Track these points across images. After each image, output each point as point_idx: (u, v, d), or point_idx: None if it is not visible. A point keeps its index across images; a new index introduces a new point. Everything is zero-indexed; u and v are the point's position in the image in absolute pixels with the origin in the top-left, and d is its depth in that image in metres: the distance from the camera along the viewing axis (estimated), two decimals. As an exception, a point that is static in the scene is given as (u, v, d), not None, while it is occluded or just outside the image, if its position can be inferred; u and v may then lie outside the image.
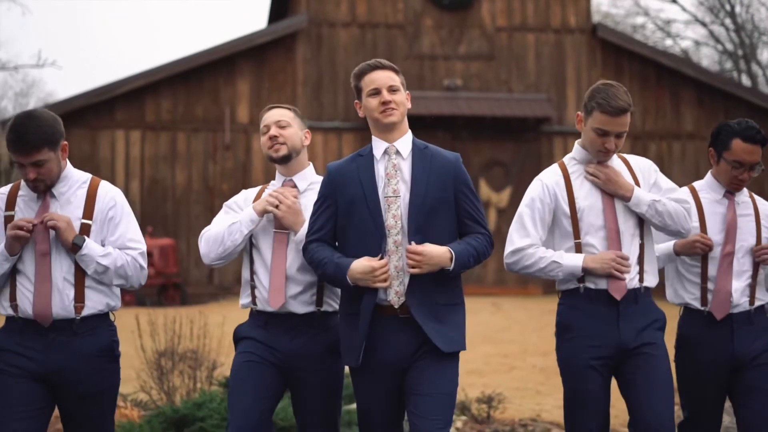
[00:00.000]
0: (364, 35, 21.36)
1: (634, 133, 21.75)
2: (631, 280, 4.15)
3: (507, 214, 21.18)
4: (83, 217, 4.12)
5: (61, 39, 66.62)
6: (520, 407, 7.78)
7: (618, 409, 5.09)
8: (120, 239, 4.17)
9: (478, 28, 21.76)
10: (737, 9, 33.81)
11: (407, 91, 4.10)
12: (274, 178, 4.42)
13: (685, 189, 4.53)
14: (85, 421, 4.14)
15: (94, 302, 4.10)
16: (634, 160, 4.35)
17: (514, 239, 4.25)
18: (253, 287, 4.26)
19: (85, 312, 4.07)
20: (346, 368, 4.16)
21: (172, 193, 20.76)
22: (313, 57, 21.29)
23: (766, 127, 4.47)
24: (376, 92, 4.00)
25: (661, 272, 4.44)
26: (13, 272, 4.09)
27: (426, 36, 21.58)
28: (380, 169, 3.97)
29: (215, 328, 7.65)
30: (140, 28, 74.95)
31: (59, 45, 60.53)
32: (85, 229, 4.12)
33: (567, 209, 4.19)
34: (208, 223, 4.52)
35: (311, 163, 4.44)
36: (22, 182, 4.18)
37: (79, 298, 4.06)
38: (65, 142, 4.12)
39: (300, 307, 4.19)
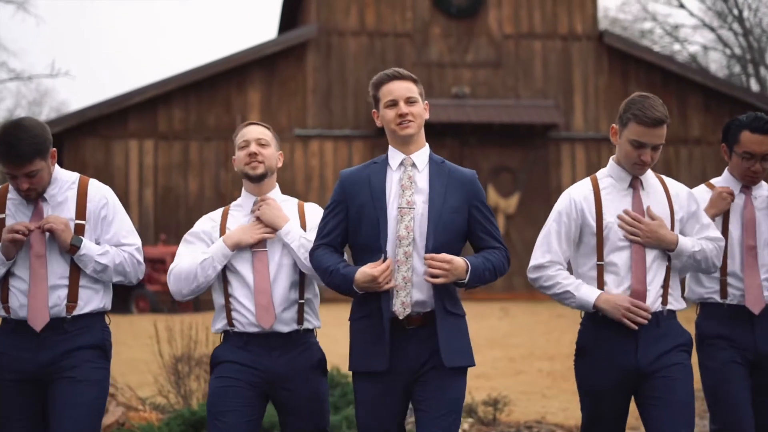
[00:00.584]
0: (373, 44, 21.61)
1: (641, 138, 21.95)
2: (653, 303, 4.04)
3: (515, 220, 21.41)
4: (76, 218, 4.11)
5: (73, 49, 67.07)
6: (526, 410, 7.97)
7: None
8: (115, 237, 4.17)
9: (486, 36, 21.99)
10: (745, 13, 33.87)
11: (426, 101, 4.04)
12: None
13: (712, 224, 4.33)
14: (67, 408, 4.01)
15: (86, 302, 4.09)
16: (672, 183, 4.24)
17: (536, 254, 4.19)
18: (230, 310, 4.17)
19: (77, 311, 4.06)
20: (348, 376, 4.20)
21: (185, 201, 21.04)
22: (322, 66, 21.55)
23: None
24: (393, 103, 3.94)
25: None
26: (5, 274, 4.08)
27: (434, 44, 21.82)
28: (393, 179, 3.94)
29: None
30: (151, 39, 75.36)
31: (72, 55, 61.01)
32: (80, 230, 4.11)
33: (593, 225, 4.09)
34: None
35: (277, 184, 4.43)
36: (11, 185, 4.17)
37: (72, 298, 4.06)
38: (54, 149, 4.11)
39: (284, 326, 4.15)
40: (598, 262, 4.07)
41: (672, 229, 4.11)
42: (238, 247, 4.15)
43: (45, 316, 4.00)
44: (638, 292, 4.02)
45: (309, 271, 4.16)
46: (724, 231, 4.48)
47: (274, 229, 4.18)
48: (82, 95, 56.70)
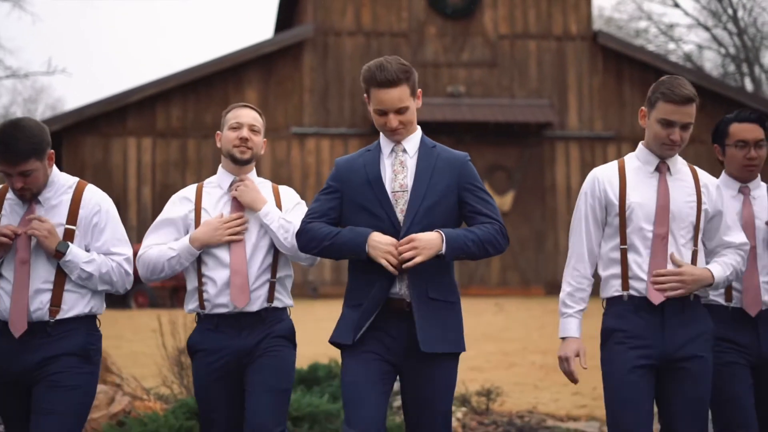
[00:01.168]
0: (369, 43, 21.84)
1: (635, 137, 22.20)
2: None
3: (510, 217, 21.65)
4: (67, 223, 4.06)
5: (69, 46, 67.23)
6: (518, 401, 8.18)
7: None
8: (104, 245, 4.11)
9: (481, 36, 22.23)
10: (740, 13, 34.12)
11: (419, 89, 3.93)
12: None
13: (737, 223, 4.26)
14: (52, 416, 3.97)
15: (71, 306, 4.04)
16: (703, 174, 4.15)
17: (573, 240, 4.14)
18: (202, 291, 4.18)
19: (61, 315, 4.02)
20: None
21: (182, 199, 21.24)
22: (319, 65, 21.77)
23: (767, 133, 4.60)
24: (383, 113, 3.87)
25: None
26: None
27: (429, 44, 22.05)
28: (387, 164, 3.90)
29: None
30: (147, 37, 75.53)
31: (68, 52, 61.21)
32: (69, 235, 4.06)
33: (616, 205, 4.02)
34: None
35: (254, 167, 4.41)
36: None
37: (55, 302, 4.01)
38: (52, 151, 4.07)
39: (253, 306, 4.16)
40: (621, 246, 4.00)
41: (697, 220, 4.04)
42: (204, 248, 4.16)
43: (23, 323, 3.97)
44: (653, 288, 3.94)
45: (289, 251, 4.16)
46: None
47: (253, 209, 4.19)
48: (78, 93, 56.95)
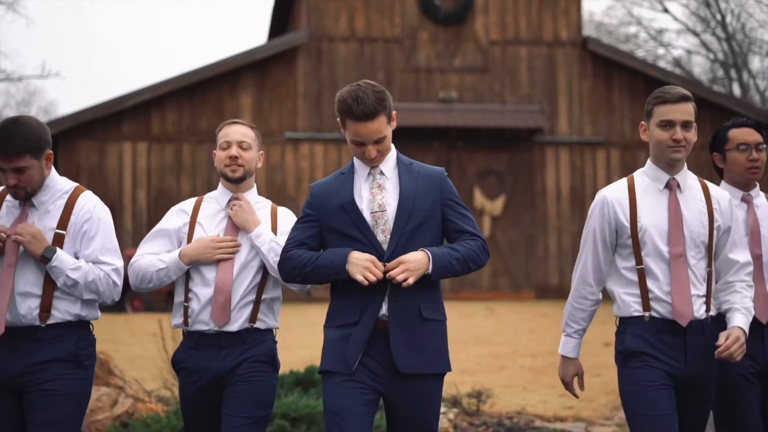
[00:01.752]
0: (363, 49, 22.08)
1: (624, 142, 22.51)
2: (698, 310, 3.90)
3: (500, 221, 21.94)
4: (57, 227, 4.01)
5: (63, 50, 67.33)
6: (508, 402, 8.42)
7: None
8: (93, 253, 4.05)
9: (473, 42, 22.50)
10: (728, 18, 34.43)
11: (394, 113, 3.86)
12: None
13: (744, 240, 4.16)
14: (46, 425, 3.95)
15: (61, 311, 4.00)
16: (714, 189, 4.08)
17: (583, 259, 4.07)
18: (186, 308, 4.17)
19: (52, 320, 3.98)
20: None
21: (177, 203, 21.30)
22: (313, 70, 22.02)
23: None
24: (361, 144, 3.79)
25: None
26: None
27: (422, 49, 22.30)
28: (364, 187, 3.83)
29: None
30: (141, 42, 75.62)
31: (61, 56, 61.37)
32: (59, 239, 4.01)
33: (628, 227, 3.94)
34: None
35: (255, 184, 4.40)
36: None
37: (45, 308, 3.97)
38: (50, 152, 4.02)
39: (233, 326, 4.12)
40: (638, 266, 3.92)
41: (709, 236, 3.97)
42: (193, 264, 4.14)
43: (1, 325, 3.92)
44: (679, 308, 3.87)
45: (277, 274, 4.10)
46: None
47: (246, 230, 4.17)
48: (71, 96, 57.07)
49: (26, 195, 4.01)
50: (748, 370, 4.19)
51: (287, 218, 4.34)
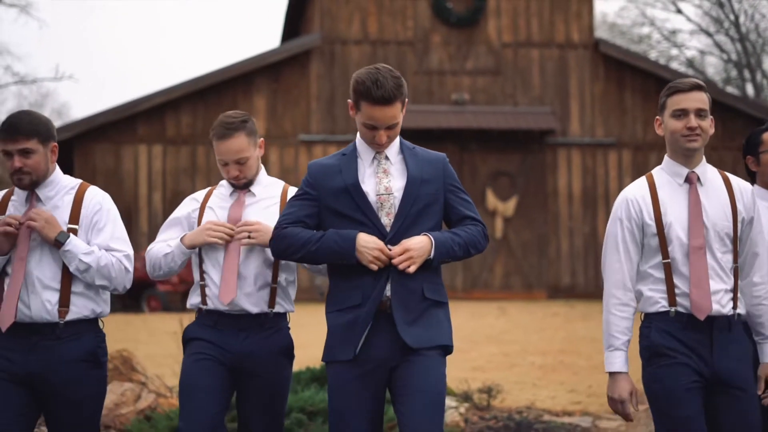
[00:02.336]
0: (375, 52, 22.30)
1: (635, 143, 22.66)
2: (724, 306, 3.82)
3: (513, 222, 22.12)
4: (69, 222, 4.05)
5: (75, 52, 67.78)
6: (518, 398, 8.60)
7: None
8: (104, 242, 4.09)
9: (485, 44, 22.69)
10: (741, 19, 34.50)
11: (406, 100, 3.83)
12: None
13: (763, 231, 4.06)
14: (68, 428, 4.04)
15: (80, 307, 4.03)
16: (736, 180, 3.99)
17: (607, 259, 3.97)
18: (203, 286, 4.21)
19: (70, 317, 4.01)
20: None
21: (193, 205, 21.69)
22: (326, 73, 22.25)
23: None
24: (374, 128, 3.77)
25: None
26: (2, 274, 4.07)
27: (434, 52, 22.50)
28: (368, 171, 3.82)
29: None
30: (155, 45, 76.03)
31: (74, 58, 61.84)
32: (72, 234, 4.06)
33: (653, 226, 3.87)
34: None
35: (262, 167, 4.41)
36: (16, 189, 4.15)
37: (64, 303, 4.00)
38: (56, 144, 4.09)
39: (252, 307, 4.16)
40: (665, 261, 3.85)
41: (734, 228, 3.89)
42: (193, 247, 4.20)
43: (11, 317, 3.95)
44: (697, 301, 3.80)
45: (317, 271, 4.18)
46: None
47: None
48: (83, 97, 57.48)
49: (30, 183, 4.04)
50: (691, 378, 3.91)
51: None
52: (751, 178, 4.51)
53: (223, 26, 77.86)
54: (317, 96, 22.21)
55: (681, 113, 3.86)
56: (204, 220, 4.28)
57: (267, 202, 4.33)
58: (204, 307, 4.20)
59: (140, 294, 18.99)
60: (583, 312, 17.71)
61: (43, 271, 4.02)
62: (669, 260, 3.84)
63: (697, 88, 3.88)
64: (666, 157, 3.98)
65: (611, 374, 3.89)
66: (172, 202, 21.58)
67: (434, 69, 22.46)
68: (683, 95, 3.86)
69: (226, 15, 78.31)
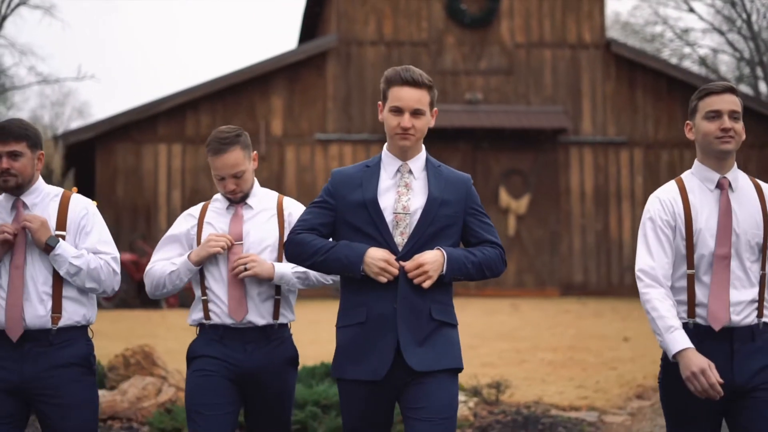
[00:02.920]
0: (391, 53, 22.60)
1: (647, 142, 22.92)
2: (748, 315, 3.71)
3: (525, 220, 22.40)
4: (56, 228, 4.09)
5: (96, 52, 68.28)
6: (526, 393, 8.88)
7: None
8: (92, 246, 4.13)
9: (498, 45, 22.96)
10: (753, 17, 34.57)
11: (435, 108, 3.86)
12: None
13: None
14: None
15: (71, 313, 4.06)
16: (767, 186, 3.89)
17: (640, 255, 3.82)
18: (206, 302, 4.20)
19: (62, 323, 4.04)
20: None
21: (211, 203, 22.04)
22: (342, 74, 22.57)
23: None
24: (399, 111, 3.75)
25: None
26: None
27: (448, 53, 22.79)
28: (389, 185, 3.79)
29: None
30: (176, 46, 76.44)
31: (95, 58, 62.36)
32: None
33: (683, 229, 3.77)
34: None
35: (255, 179, 4.42)
36: (1, 199, 4.19)
37: (56, 309, 4.03)
38: (42, 153, 4.15)
39: (260, 319, 4.18)
40: (689, 271, 3.75)
41: (765, 237, 3.77)
42: (200, 263, 4.21)
43: (19, 327, 3.98)
44: (714, 311, 3.69)
45: (324, 284, 4.26)
46: None
47: (270, 279, 4.19)
48: (103, 96, 57.96)
49: (16, 185, 4.08)
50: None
51: (293, 207, 4.39)
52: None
53: (241, 27, 78.31)
54: (333, 96, 22.53)
55: (714, 115, 3.77)
56: (203, 236, 4.29)
57: (264, 215, 4.34)
58: (207, 322, 4.20)
59: (160, 291, 19.35)
60: (594, 309, 17.97)
61: (35, 278, 4.05)
62: (693, 270, 3.75)
63: (729, 90, 3.80)
64: (696, 162, 3.88)
65: (680, 354, 3.62)
66: (190, 200, 21.90)
67: (448, 69, 22.74)
68: (716, 97, 3.78)
69: (244, 16, 78.74)
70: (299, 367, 7.62)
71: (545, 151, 22.75)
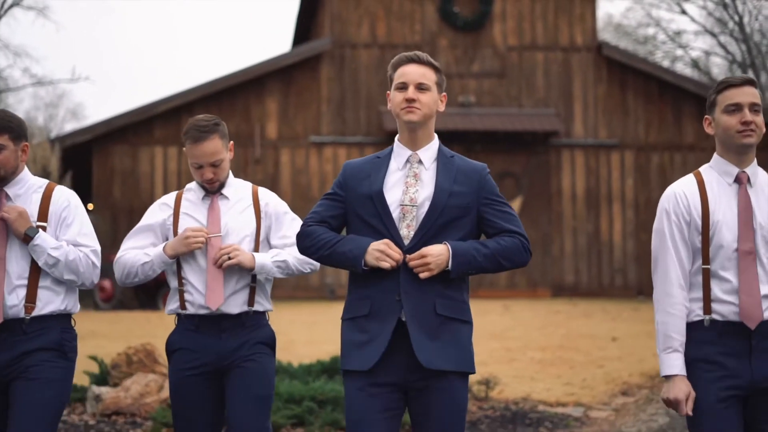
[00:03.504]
0: (384, 55, 22.85)
1: (638, 144, 23.20)
2: (765, 310, 3.60)
3: (518, 221, 22.64)
4: (38, 220, 4.08)
5: (89, 53, 68.44)
6: (515, 390, 9.14)
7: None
8: (72, 238, 4.11)
9: (491, 48, 23.23)
10: (746, 19, 34.82)
11: (444, 93, 3.77)
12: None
13: None
14: (25, 408, 3.96)
15: (45, 303, 4.05)
16: None
17: (657, 260, 3.73)
18: (182, 292, 4.24)
19: (36, 312, 4.02)
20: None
21: (206, 205, 22.26)
22: (336, 76, 22.82)
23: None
24: (403, 87, 3.67)
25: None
26: None
27: (441, 55, 23.03)
28: (398, 176, 3.71)
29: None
30: (170, 49, 76.60)
31: (89, 59, 62.46)
32: None
33: (699, 223, 3.66)
34: None
35: (230, 171, 4.44)
36: None
37: (30, 299, 4.02)
38: (27, 144, 4.14)
39: (234, 308, 4.22)
40: (704, 266, 3.66)
41: None
42: (175, 256, 4.26)
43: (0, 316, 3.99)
44: (747, 309, 3.59)
45: (306, 272, 4.34)
46: None
47: (250, 269, 4.25)
48: (97, 98, 58.09)
49: None
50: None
51: (269, 199, 4.43)
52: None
53: (235, 30, 78.54)
54: (327, 98, 22.78)
55: (735, 108, 3.67)
56: (181, 227, 4.32)
57: (240, 205, 4.38)
58: (183, 312, 4.24)
59: (156, 292, 19.61)
60: (584, 310, 18.23)
61: (12, 268, 4.05)
62: (709, 266, 3.65)
63: (749, 82, 3.70)
64: (715, 155, 3.78)
65: (668, 377, 3.63)
66: (186, 202, 22.13)
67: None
68: (736, 90, 3.68)
69: (238, 19, 78.95)
70: (296, 365, 7.88)
71: (537, 154, 23.02)
